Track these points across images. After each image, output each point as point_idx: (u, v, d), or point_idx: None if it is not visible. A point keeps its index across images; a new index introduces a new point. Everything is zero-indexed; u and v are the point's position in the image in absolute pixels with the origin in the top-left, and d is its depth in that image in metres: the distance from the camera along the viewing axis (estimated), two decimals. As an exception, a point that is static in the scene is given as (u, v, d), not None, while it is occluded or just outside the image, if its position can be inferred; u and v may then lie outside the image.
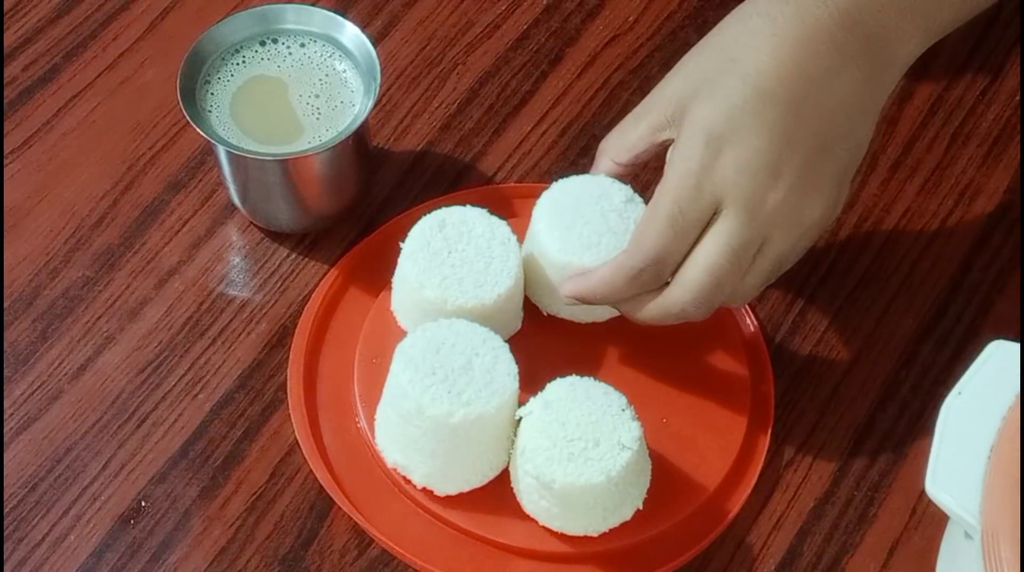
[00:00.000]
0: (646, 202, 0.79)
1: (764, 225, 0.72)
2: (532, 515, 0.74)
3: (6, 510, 0.76)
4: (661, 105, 0.75)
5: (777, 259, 0.73)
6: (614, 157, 0.78)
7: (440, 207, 0.79)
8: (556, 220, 0.78)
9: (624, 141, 0.77)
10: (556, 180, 0.80)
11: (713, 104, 0.72)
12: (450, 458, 0.74)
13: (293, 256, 0.85)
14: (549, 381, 0.74)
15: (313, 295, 0.83)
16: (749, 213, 0.71)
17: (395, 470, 0.76)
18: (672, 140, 0.74)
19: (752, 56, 0.73)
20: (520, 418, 0.74)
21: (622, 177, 0.79)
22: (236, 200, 0.85)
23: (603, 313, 0.81)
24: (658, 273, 0.73)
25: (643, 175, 0.89)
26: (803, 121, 0.72)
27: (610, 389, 0.73)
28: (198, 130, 0.79)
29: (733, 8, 0.97)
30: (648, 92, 0.75)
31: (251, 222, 0.86)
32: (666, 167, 0.73)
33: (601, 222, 0.78)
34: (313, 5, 0.85)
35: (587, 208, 0.78)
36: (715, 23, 0.95)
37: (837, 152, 0.73)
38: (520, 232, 0.80)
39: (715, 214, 0.72)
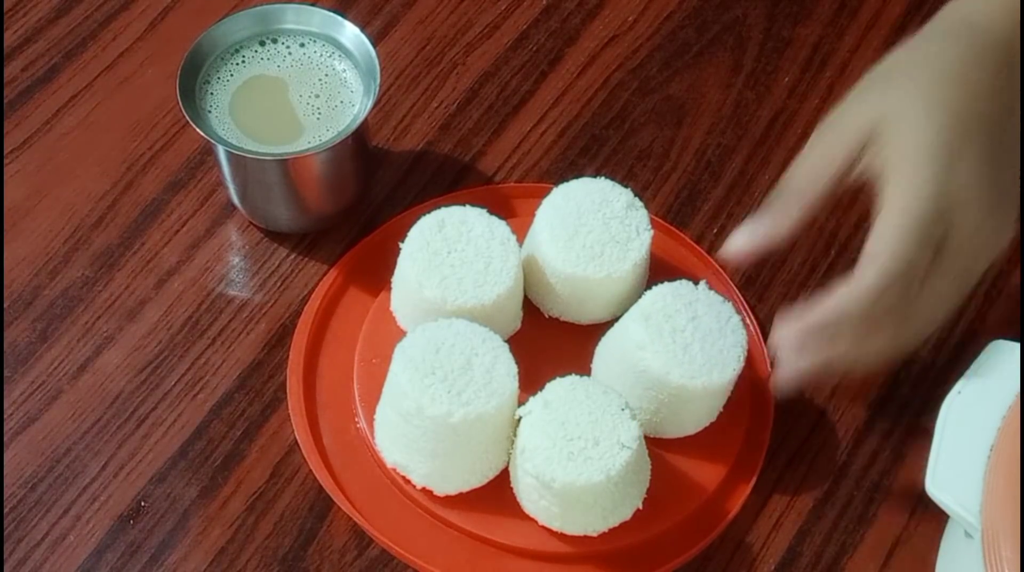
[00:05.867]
0: (646, 206, 0.79)
1: (983, 243, 0.71)
2: (532, 515, 0.74)
3: (6, 510, 0.76)
4: (848, 134, 0.73)
5: (969, 282, 0.73)
6: (803, 201, 0.73)
7: (440, 207, 0.79)
8: (559, 230, 0.78)
9: (810, 179, 0.73)
10: (558, 185, 0.80)
11: (929, 119, 0.71)
12: (450, 458, 0.73)
13: (293, 256, 0.85)
14: (549, 381, 0.74)
15: (313, 295, 0.83)
16: (978, 226, 0.70)
17: (395, 470, 0.76)
18: (860, 165, 0.72)
19: (953, 78, 0.72)
20: (520, 418, 0.74)
21: (805, 224, 0.74)
22: (236, 200, 0.85)
23: (604, 314, 0.81)
24: (905, 288, 0.69)
25: (642, 176, 0.89)
26: (1004, 146, 0.72)
27: (609, 389, 0.73)
28: (198, 130, 0.79)
29: (733, 8, 0.97)
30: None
31: (251, 222, 0.86)
32: (888, 180, 0.70)
33: (603, 231, 0.78)
34: (313, 5, 0.85)
35: (589, 216, 0.78)
36: (715, 23, 0.96)
37: (1020, 181, 0.73)
38: (520, 232, 0.80)
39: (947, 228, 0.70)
